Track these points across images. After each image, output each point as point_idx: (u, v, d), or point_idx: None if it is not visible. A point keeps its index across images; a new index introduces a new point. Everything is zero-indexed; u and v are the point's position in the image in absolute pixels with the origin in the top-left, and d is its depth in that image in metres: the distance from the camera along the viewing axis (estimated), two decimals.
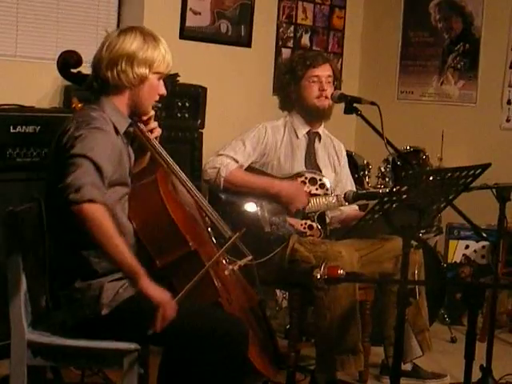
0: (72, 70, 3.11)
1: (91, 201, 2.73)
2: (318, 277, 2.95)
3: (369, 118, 3.80)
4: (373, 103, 3.83)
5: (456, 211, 3.57)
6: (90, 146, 2.82)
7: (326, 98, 4.14)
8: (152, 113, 3.14)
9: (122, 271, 2.88)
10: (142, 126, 3.12)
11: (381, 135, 3.71)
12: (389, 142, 3.74)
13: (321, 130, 4.30)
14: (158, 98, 3.09)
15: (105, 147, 2.87)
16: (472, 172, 3.12)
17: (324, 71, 4.17)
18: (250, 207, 4.02)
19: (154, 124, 3.16)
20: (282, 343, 3.93)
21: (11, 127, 4.00)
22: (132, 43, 2.98)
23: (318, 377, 3.92)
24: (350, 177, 4.45)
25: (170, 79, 4.65)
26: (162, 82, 3.07)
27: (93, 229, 2.75)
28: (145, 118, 3.12)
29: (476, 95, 6.05)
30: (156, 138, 3.18)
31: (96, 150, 2.82)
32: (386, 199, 2.97)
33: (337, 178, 4.33)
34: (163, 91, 3.08)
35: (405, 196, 2.96)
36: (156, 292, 2.81)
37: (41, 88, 4.66)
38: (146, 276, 2.81)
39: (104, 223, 2.76)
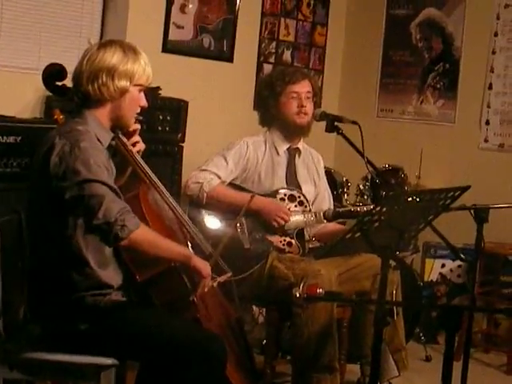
0: (57, 83, 3.11)
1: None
2: (298, 295, 2.95)
3: (348, 136, 3.82)
4: (354, 122, 3.85)
5: (434, 231, 3.59)
6: (95, 168, 2.85)
7: (306, 114, 4.14)
8: (137, 126, 3.14)
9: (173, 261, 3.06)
10: (124, 139, 3.12)
11: (361, 154, 3.72)
12: (369, 162, 3.75)
13: (300, 145, 4.31)
14: (139, 110, 3.09)
15: (104, 165, 2.90)
16: (451, 194, 3.14)
17: (303, 87, 4.17)
18: (214, 224, 4.02)
19: (136, 137, 3.17)
20: (258, 359, 3.92)
21: None
22: (112, 56, 2.98)
23: None
24: (328, 188, 4.45)
25: (152, 92, 4.66)
26: (142, 94, 3.08)
27: (148, 249, 2.94)
28: (131, 129, 3.12)
29: (455, 115, 6.09)
30: (138, 152, 3.18)
31: (101, 172, 2.86)
32: (365, 219, 2.98)
33: (316, 190, 4.35)
34: (144, 103, 3.09)
35: (384, 216, 2.98)
36: (203, 265, 3.07)
37: (22, 98, 4.65)
38: (193, 253, 3.10)
39: (153, 239, 2.95)
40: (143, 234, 2.88)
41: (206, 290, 3.14)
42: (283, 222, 4.08)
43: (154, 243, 2.94)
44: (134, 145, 3.17)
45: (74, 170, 2.83)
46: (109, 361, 2.93)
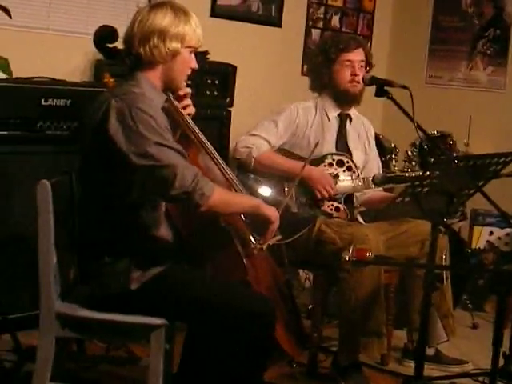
0: (108, 45, 3.11)
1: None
2: (347, 258, 2.96)
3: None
4: (404, 87, 3.82)
5: (484, 196, 3.57)
6: (160, 131, 2.84)
7: (358, 82, 4.12)
8: (188, 90, 3.15)
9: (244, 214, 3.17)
10: (175, 102, 3.13)
11: (411, 119, 3.69)
12: (419, 127, 3.73)
13: (351, 111, 4.29)
14: (190, 72, 3.08)
15: (166, 127, 2.90)
16: (503, 159, 3.11)
17: (357, 56, 4.16)
18: (265, 192, 4.02)
19: (187, 101, 3.17)
20: (305, 323, 3.93)
21: (42, 100, 4.02)
22: (163, 18, 2.96)
23: (341, 358, 3.93)
24: (378, 157, 4.45)
25: (200, 56, 4.65)
26: (193, 56, 3.07)
27: (223, 209, 3.01)
28: (181, 93, 3.12)
29: (505, 81, 6.02)
30: (189, 115, 3.19)
31: (166, 135, 2.87)
32: (417, 183, 2.97)
33: (366, 158, 4.33)
34: (195, 65, 3.08)
35: (435, 181, 2.96)
36: (271, 211, 3.10)
37: (72, 62, 4.66)
38: (262, 201, 3.13)
39: (227, 198, 3.02)
40: (219, 197, 2.92)
41: (274, 237, 3.19)
42: (326, 195, 4.08)
43: (228, 202, 3.01)
44: (184, 108, 3.18)
45: (141, 135, 2.81)
46: (158, 321, 2.95)
